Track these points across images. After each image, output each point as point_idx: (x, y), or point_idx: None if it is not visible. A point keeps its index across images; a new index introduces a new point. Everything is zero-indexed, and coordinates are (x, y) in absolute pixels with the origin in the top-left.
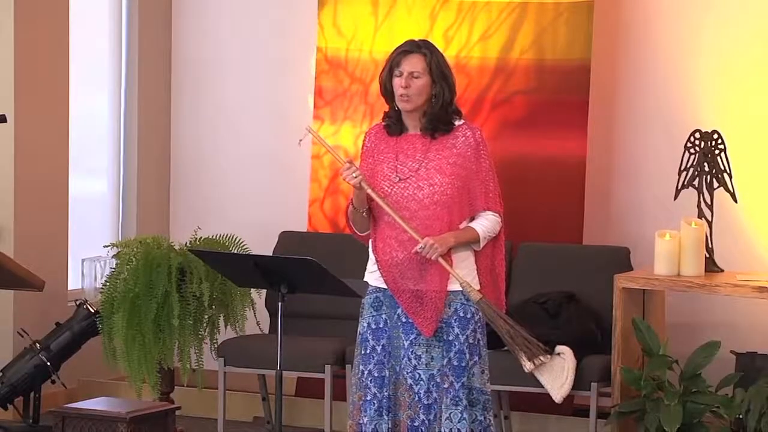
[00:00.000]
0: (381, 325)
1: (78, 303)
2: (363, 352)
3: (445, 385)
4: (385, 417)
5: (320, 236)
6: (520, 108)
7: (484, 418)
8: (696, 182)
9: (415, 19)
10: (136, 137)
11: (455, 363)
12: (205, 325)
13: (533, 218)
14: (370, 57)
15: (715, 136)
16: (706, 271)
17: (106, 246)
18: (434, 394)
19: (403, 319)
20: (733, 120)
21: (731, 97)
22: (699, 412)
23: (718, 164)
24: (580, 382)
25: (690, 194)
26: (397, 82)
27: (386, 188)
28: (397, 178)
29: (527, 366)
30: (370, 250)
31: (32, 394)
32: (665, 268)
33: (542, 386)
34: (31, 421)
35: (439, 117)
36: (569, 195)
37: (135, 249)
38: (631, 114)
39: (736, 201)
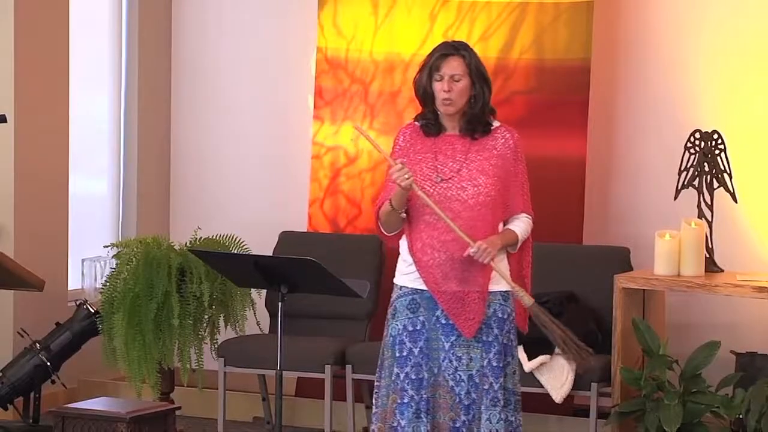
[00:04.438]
0: (418, 327)
1: (78, 303)
2: (398, 354)
3: (485, 387)
4: (423, 419)
5: (320, 236)
6: (519, 108)
7: (515, 418)
8: (696, 182)
9: (415, 19)
10: (136, 137)
11: (494, 364)
12: (205, 325)
13: (533, 218)
14: (370, 57)
15: (715, 136)
16: (706, 271)
17: (106, 246)
18: (473, 395)
19: (443, 321)
20: (734, 120)
21: (731, 97)
22: (699, 412)
23: (718, 164)
24: (580, 382)
25: (690, 194)
26: (439, 86)
27: (428, 188)
28: (439, 179)
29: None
30: (404, 251)
31: (32, 394)
32: (665, 268)
33: (542, 386)
34: (31, 421)
35: (479, 118)
36: (569, 195)
37: (135, 249)
38: (631, 114)
39: (736, 201)
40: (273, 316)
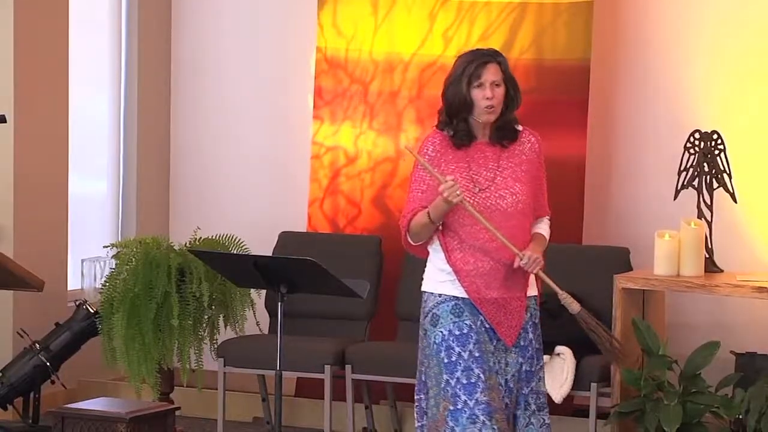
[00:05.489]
0: (465, 331)
1: (77, 303)
2: (446, 360)
3: (525, 391)
4: (487, 423)
5: (320, 236)
6: (519, 108)
7: (544, 420)
8: (696, 182)
9: (415, 19)
10: (135, 137)
11: (527, 368)
12: (204, 325)
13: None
14: (370, 57)
15: (715, 136)
16: (705, 271)
17: (106, 246)
18: (506, 400)
19: (487, 326)
20: (733, 120)
21: (731, 97)
22: (698, 412)
23: (718, 164)
24: (579, 382)
25: (690, 194)
26: (480, 94)
27: (468, 199)
28: (477, 189)
29: None
30: (438, 260)
31: (32, 395)
32: (665, 268)
33: None
34: (30, 421)
35: (509, 124)
36: (569, 195)
37: (135, 249)
38: (630, 114)
39: (735, 201)
40: (272, 316)
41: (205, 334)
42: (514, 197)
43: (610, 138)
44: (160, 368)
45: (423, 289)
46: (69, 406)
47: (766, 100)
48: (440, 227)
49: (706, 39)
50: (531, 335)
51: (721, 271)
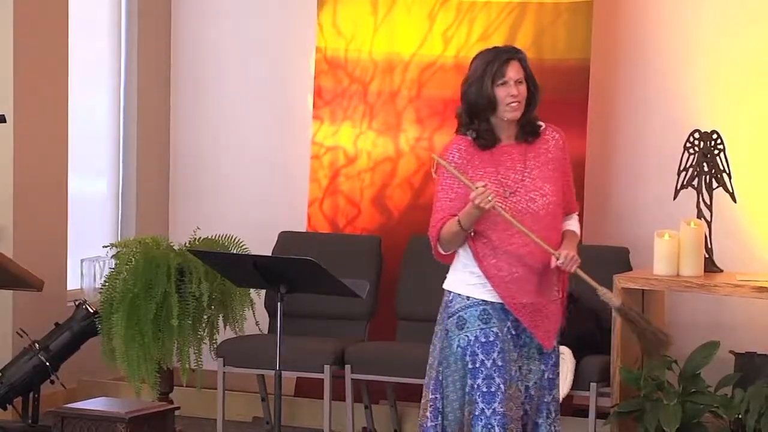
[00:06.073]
0: (491, 339)
1: (77, 303)
2: (471, 366)
3: (547, 399)
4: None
5: (319, 236)
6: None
7: (557, 428)
8: (695, 182)
9: (415, 19)
10: (135, 137)
11: (550, 375)
12: (204, 325)
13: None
14: (370, 57)
15: (714, 136)
16: (705, 271)
17: (106, 246)
18: (525, 406)
19: (513, 332)
20: (733, 120)
21: (730, 97)
22: (698, 412)
23: (718, 164)
24: (579, 382)
25: (689, 194)
26: (504, 91)
27: (499, 204)
28: (507, 193)
29: None
30: (467, 262)
31: (31, 395)
32: (664, 268)
33: None
34: (30, 421)
35: (532, 122)
36: None
37: (134, 249)
38: (630, 114)
39: (735, 201)
40: (272, 316)
41: (205, 333)
42: (544, 199)
43: (609, 138)
44: (159, 368)
45: (449, 288)
46: (68, 405)
47: (766, 99)
48: (471, 233)
49: (705, 39)
50: (555, 341)
51: (721, 270)
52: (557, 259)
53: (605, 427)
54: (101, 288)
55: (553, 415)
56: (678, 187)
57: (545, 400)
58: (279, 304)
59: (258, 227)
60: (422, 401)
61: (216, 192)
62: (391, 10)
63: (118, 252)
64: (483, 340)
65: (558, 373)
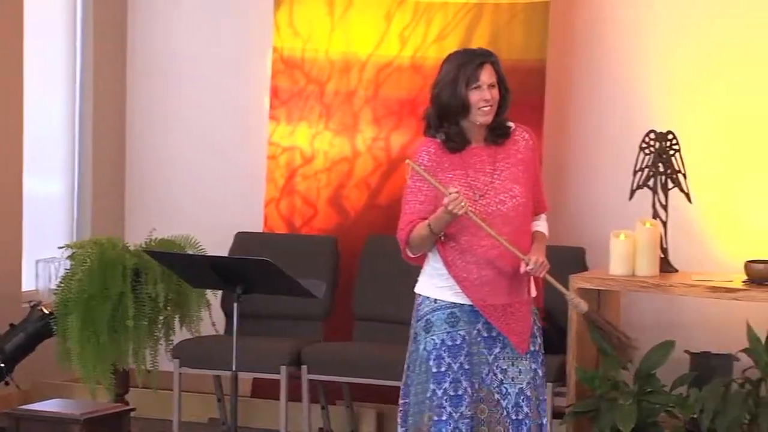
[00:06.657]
0: (458, 342)
1: (32, 304)
2: (435, 370)
3: (543, 398)
4: None
5: (276, 237)
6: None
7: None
8: (651, 182)
9: (371, 19)
10: (90, 137)
11: (540, 374)
12: (160, 326)
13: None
14: (326, 57)
15: (670, 136)
16: (660, 271)
17: (61, 247)
18: (525, 409)
19: (485, 334)
20: (688, 120)
21: (686, 97)
22: (653, 411)
23: (673, 164)
24: None
25: (645, 194)
26: (477, 95)
27: (469, 207)
28: (477, 195)
29: None
30: (437, 265)
31: None
32: (620, 268)
33: None
34: None
35: (502, 124)
36: None
37: (90, 250)
38: (586, 115)
39: (690, 201)
40: (228, 316)
41: (161, 334)
42: (513, 200)
43: (565, 138)
44: (115, 369)
45: (418, 291)
46: (23, 407)
47: (721, 100)
48: (441, 237)
49: (660, 39)
50: (539, 339)
51: (676, 270)
52: (527, 265)
53: (561, 427)
54: (56, 289)
55: (546, 413)
56: (634, 188)
57: (543, 398)
58: (235, 304)
59: (214, 228)
60: None
61: (172, 192)
62: (347, 10)
63: (74, 253)
64: (450, 343)
65: (545, 372)
